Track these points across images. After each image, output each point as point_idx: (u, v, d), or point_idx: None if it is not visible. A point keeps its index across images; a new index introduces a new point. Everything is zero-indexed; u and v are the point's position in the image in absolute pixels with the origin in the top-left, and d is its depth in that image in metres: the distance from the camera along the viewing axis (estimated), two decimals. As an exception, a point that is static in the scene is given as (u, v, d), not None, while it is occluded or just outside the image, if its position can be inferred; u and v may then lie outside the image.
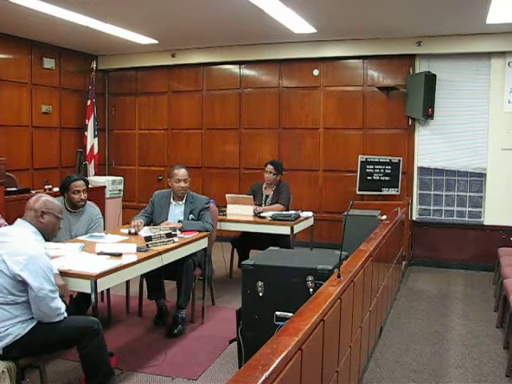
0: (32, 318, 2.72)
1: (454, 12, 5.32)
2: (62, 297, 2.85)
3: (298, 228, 5.18)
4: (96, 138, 7.68)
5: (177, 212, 4.54)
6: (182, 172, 4.52)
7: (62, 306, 2.78)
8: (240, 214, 5.36)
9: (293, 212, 5.33)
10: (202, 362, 3.62)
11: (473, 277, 6.22)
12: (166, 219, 4.48)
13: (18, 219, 2.91)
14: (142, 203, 6.82)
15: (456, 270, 6.49)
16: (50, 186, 6.07)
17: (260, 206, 5.54)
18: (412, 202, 6.74)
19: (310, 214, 5.53)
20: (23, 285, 2.64)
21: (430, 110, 6.43)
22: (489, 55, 6.33)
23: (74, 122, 7.73)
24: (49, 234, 2.98)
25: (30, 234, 2.83)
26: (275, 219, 5.11)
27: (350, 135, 7.09)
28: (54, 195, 4.59)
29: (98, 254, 3.38)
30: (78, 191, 4.07)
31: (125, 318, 4.48)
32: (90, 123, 7.62)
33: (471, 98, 6.50)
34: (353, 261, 3.06)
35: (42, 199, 2.97)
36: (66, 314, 2.80)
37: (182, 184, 4.49)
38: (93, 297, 2.96)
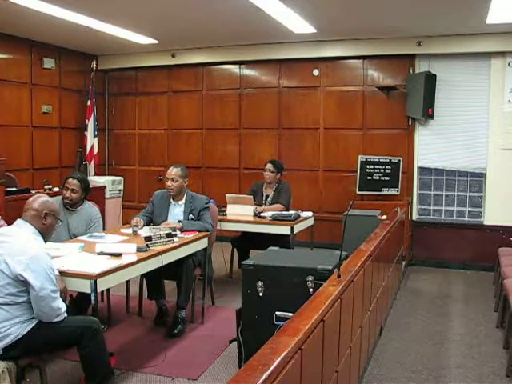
0: (32, 318, 2.72)
1: (454, 12, 5.32)
2: (63, 300, 2.85)
3: (298, 228, 5.19)
4: (96, 138, 7.68)
5: (176, 212, 4.54)
6: (170, 171, 4.51)
7: (63, 306, 2.78)
8: (240, 213, 5.35)
9: (293, 212, 5.33)
10: (202, 362, 3.62)
11: (473, 277, 6.22)
12: (166, 219, 4.48)
13: (18, 220, 2.91)
14: (142, 203, 6.82)
15: (456, 270, 6.49)
16: (50, 186, 6.07)
17: (260, 205, 5.54)
18: (412, 202, 6.74)
19: (309, 213, 5.53)
20: (24, 285, 2.65)
21: (429, 110, 6.43)
22: (489, 55, 6.33)
23: (74, 122, 7.73)
24: (47, 235, 2.99)
25: (30, 235, 2.83)
26: (275, 219, 5.11)
27: (350, 135, 7.09)
28: (54, 195, 4.62)
29: (98, 254, 3.38)
30: (67, 188, 4.09)
31: (125, 318, 4.48)
32: (90, 123, 7.62)
33: (471, 98, 6.50)
34: (353, 261, 3.06)
35: (43, 200, 2.96)
36: (66, 314, 2.80)
37: (169, 183, 4.47)
38: (93, 297, 2.96)
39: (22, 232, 2.82)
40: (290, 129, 7.39)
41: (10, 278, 2.64)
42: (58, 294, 2.74)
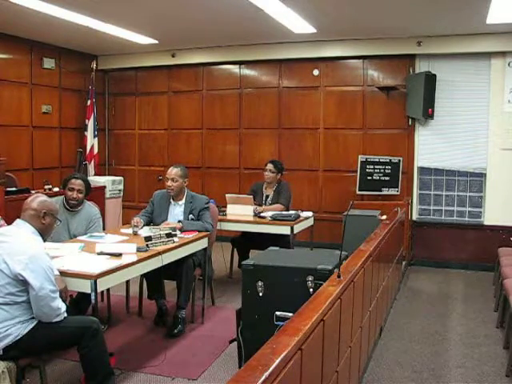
0: (32, 318, 2.72)
1: (454, 12, 5.32)
2: (63, 300, 2.85)
3: (298, 228, 5.18)
4: (96, 138, 7.68)
5: (176, 212, 4.54)
6: (170, 171, 4.51)
7: (63, 306, 2.78)
8: (240, 214, 5.35)
9: (293, 212, 5.33)
10: (202, 361, 3.62)
11: (473, 277, 6.22)
12: (166, 219, 4.48)
13: (17, 219, 2.91)
14: (142, 203, 6.82)
15: (456, 269, 6.49)
16: (50, 186, 6.07)
17: (260, 205, 5.53)
18: (412, 202, 6.74)
19: (309, 213, 5.53)
20: (23, 284, 2.65)
21: (429, 110, 6.43)
22: (489, 55, 6.33)
23: (74, 122, 7.73)
24: (46, 234, 2.99)
25: (29, 234, 2.83)
26: (275, 219, 5.11)
27: (350, 135, 7.09)
28: (54, 195, 4.61)
29: (98, 254, 3.38)
30: (73, 189, 4.08)
31: (125, 318, 4.48)
32: (90, 123, 7.62)
33: (471, 98, 6.50)
34: (353, 261, 3.06)
35: (41, 200, 2.96)
36: (66, 314, 2.80)
37: (169, 183, 4.47)
38: (93, 297, 2.96)
39: (22, 232, 2.82)
40: (290, 129, 7.39)
41: (10, 278, 2.64)
42: (57, 294, 2.74)
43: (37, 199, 2.95)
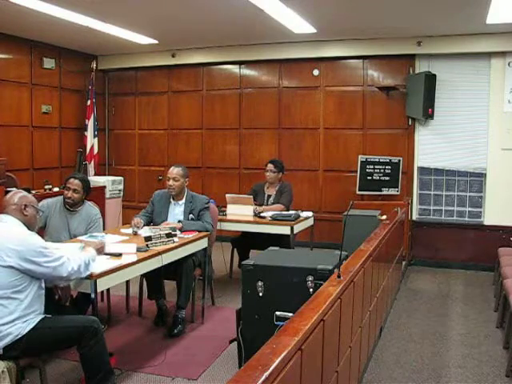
0: (31, 315, 2.72)
1: (454, 12, 5.32)
2: (65, 297, 2.91)
3: (298, 228, 5.18)
4: (96, 138, 7.68)
5: (176, 212, 4.54)
6: (172, 170, 4.52)
7: (76, 264, 2.85)
8: (240, 214, 5.35)
9: (293, 212, 5.33)
10: (202, 362, 3.62)
11: (473, 277, 6.22)
12: (166, 219, 4.48)
13: (1, 215, 2.91)
14: (142, 203, 6.82)
15: (456, 269, 6.49)
16: (50, 186, 6.07)
17: (261, 205, 5.53)
18: (412, 202, 6.73)
19: (310, 213, 5.53)
20: (18, 273, 2.67)
21: (429, 110, 6.43)
22: (489, 55, 6.33)
23: (74, 122, 7.73)
24: (31, 225, 2.99)
25: (15, 225, 2.84)
26: (275, 219, 5.11)
27: (350, 135, 7.09)
28: (54, 195, 4.61)
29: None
30: (69, 188, 4.06)
31: (125, 318, 4.48)
32: (90, 123, 7.62)
33: (471, 98, 6.50)
34: (353, 261, 3.06)
35: (20, 194, 3.00)
36: (91, 267, 2.93)
37: (170, 182, 4.48)
38: (93, 297, 2.97)
39: (7, 224, 2.84)
40: (290, 129, 7.39)
41: (4, 267, 2.65)
42: (62, 260, 2.78)
43: (16, 195, 2.98)
